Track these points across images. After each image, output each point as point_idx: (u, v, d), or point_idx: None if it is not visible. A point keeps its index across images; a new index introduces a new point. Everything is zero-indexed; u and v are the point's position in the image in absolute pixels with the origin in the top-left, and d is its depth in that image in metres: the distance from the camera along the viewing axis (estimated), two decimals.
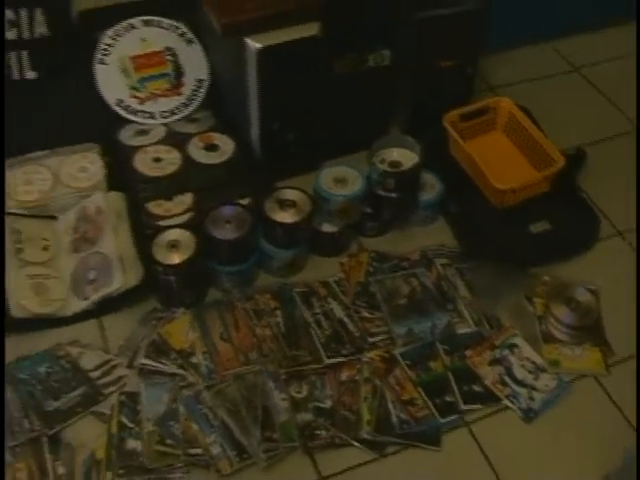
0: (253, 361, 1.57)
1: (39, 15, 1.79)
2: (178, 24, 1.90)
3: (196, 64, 1.91)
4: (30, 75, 1.84)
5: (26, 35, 1.80)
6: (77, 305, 1.64)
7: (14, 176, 1.79)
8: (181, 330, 1.62)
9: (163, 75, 1.89)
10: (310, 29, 1.67)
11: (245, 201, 1.71)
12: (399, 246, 1.81)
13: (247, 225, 1.64)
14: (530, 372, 1.59)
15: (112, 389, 1.54)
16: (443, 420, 1.53)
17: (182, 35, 1.91)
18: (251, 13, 1.64)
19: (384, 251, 1.79)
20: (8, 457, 1.43)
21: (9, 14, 1.77)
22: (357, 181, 1.73)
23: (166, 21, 1.90)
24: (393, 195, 1.73)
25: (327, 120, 1.82)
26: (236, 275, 1.69)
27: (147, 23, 1.89)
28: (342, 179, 1.73)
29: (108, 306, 1.65)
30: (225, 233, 1.63)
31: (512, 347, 1.63)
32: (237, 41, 1.66)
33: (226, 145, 1.81)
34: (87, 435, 1.48)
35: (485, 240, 1.79)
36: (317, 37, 1.67)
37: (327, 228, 1.74)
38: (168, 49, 1.90)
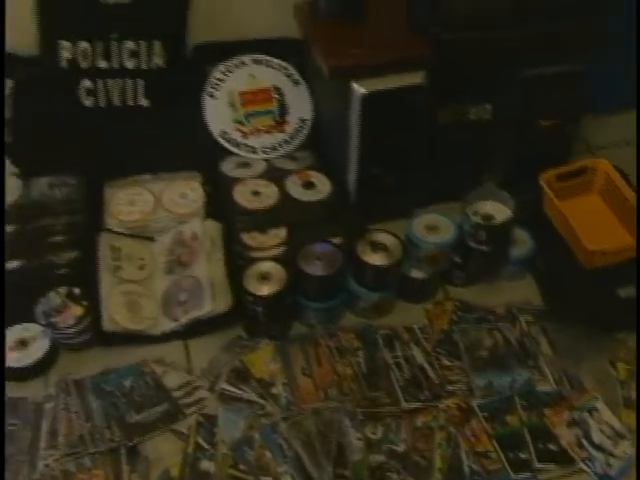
0: (332, 398, 1.62)
1: (157, 47, 1.90)
2: (286, 65, 1.99)
3: (300, 104, 1.99)
4: (143, 102, 1.94)
5: (144, 65, 1.91)
6: (166, 325, 1.72)
7: (118, 196, 1.90)
8: (263, 360, 1.68)
9: (268, 112, 1.98)
10: (415, 77, 1.72)
11: (337, 240, 1.76)
12: (485, 298, 1.83)
13: (337, 264, 1.69)
14: (609, 437, 1.59)
15: (192, 410, 1.60)
16: (515, 476, 1.53)
17: (289, 75, 1.99)
18: (358, 58, 1.71)
19: (470, 302, 1.82)
20: (87, 462, 1.51)
21: (131, 45, 1.89)
22: (449, 230, 1.77)
23: (275, 61, 1.99)
24: (484, 248, 1.77)
25: (424, 168, 1.87)
26: (322, 312, 1.74)
27: (257, 61, 1.99)
28: (434, 227, 1.77)
29: (195, 329, 1.72)
30: (315, 269, 1.68)
31: (592, 410, 1.63)
32: (343, 84, 1.72)
33: (323, 184, 1.87)
34: (164, 451, 1.55)
35: (571, 301, 1.79)
36: (421, 86, 1.73)
37: (415, 274, 1.77)
38: (275, 88, 1.99)
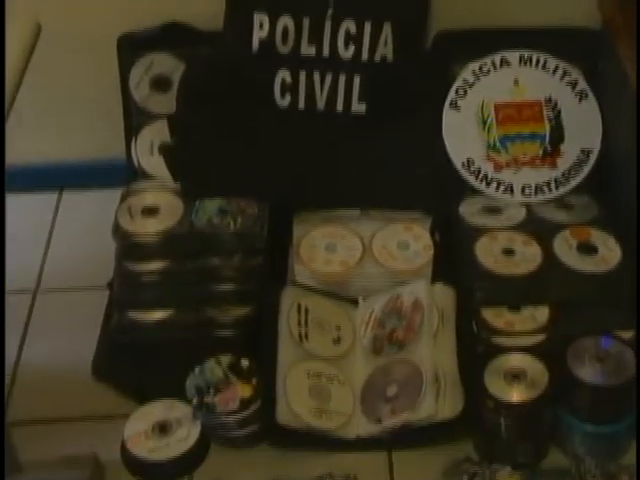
0: None
1: (386, 32, 1.88)
2: (570, 67, 1.94)
3: (586, 128, 1.94)
4: (357, 108, 1.92)
5: (364, 56, 1.89)
6: (364, 427, 1.67)
7: (313, 236, 1.89)
8: None
9: (535, 136, 1.93)
10: None
11: (627, 334, 1.65)
12: None
13: (627, 371, 1.56)
14: None
15: None
16: None
17: (573, 85, 1.94)
18: None
19: None
20: None
21: (351, 27, 1.86)
22: None
23: (553, 61, 1.94)
24: None
25: None
26: (599, 439, 1.63)
27: (525, 61, 1.95)
28: None
29: (405, 438, 1.66)
30: (593, 375, 1.57)
31: None
32: None
33: (609, 250, 1.79)
34: None
35: None
36: None
37: None
38: (549, 101, 1.94)
